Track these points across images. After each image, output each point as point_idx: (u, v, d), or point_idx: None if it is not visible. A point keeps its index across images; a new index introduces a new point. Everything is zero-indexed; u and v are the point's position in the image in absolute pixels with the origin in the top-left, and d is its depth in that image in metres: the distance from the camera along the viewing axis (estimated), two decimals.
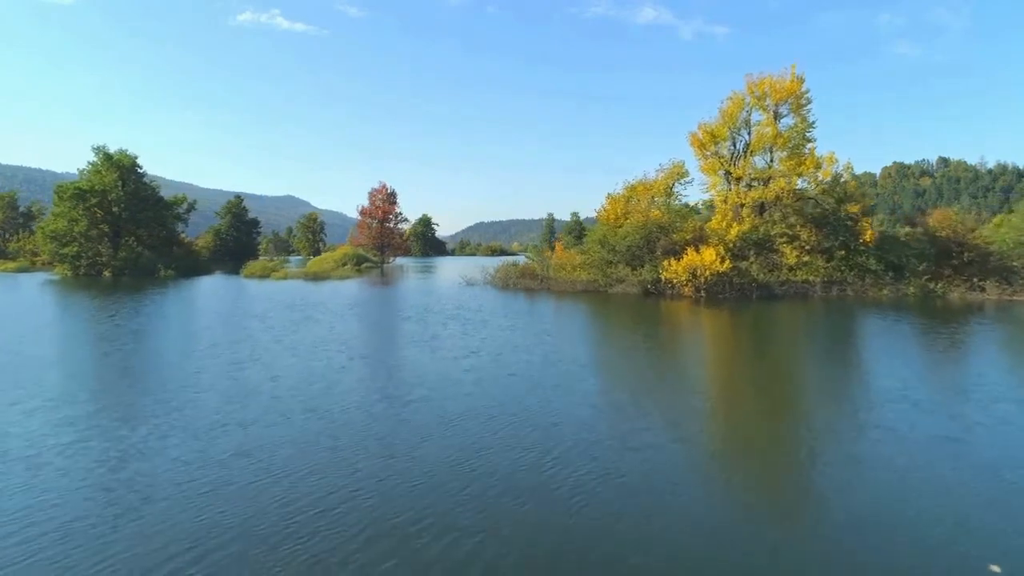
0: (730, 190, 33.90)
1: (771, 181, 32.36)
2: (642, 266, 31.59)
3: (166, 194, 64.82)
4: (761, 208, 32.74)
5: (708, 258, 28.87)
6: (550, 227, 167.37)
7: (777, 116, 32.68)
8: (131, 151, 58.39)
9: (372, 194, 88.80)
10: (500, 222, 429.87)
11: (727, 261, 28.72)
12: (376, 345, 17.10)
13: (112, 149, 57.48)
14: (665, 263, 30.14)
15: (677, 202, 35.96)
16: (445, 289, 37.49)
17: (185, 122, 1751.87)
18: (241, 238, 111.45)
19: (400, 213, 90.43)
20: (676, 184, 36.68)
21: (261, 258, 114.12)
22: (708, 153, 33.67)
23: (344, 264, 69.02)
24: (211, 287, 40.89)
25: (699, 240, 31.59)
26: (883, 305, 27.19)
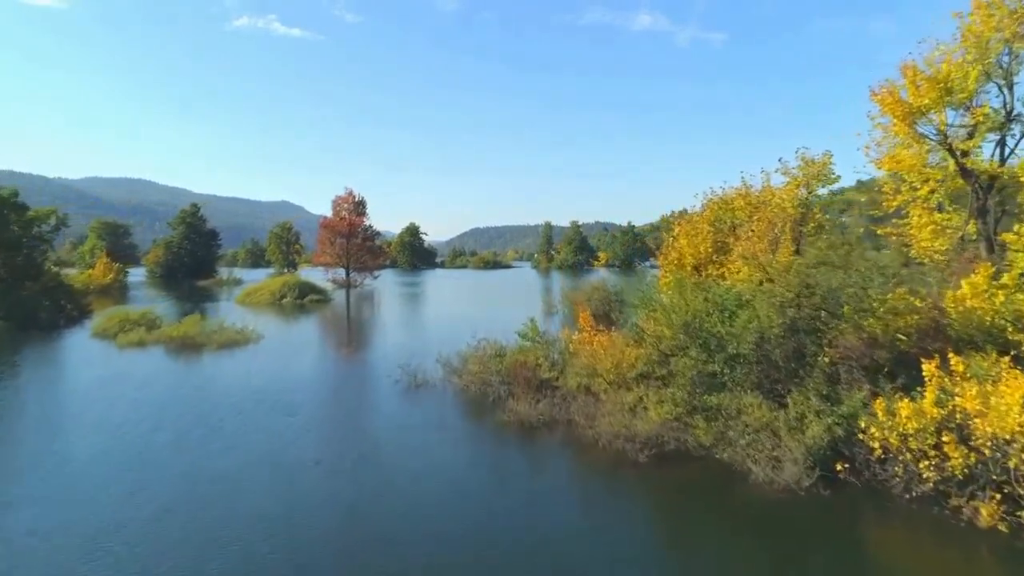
0: (953, 205, 14.77)
1: None
2: (791, 392, 12.38)
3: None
4: None
5: (1019, 398, 9.69)
6: (547, 235, 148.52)
7: None
8: None
9: (336, 202, 68.96)
10: (496, 228, 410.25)
11: None
12: None
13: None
14: (877, 405, 10.94)
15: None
16: (374, 389, 18.35)
17: (179, 126, 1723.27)
18: (197, 251, 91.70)
19: (371, 226, 71.06)
20: (813, 193, 17.56)
21: (221, 271, 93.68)
22: (925, 127, 14.40)
23: (283, 297, 49.61)
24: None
25: (936, 331, 12.33)
26: None
